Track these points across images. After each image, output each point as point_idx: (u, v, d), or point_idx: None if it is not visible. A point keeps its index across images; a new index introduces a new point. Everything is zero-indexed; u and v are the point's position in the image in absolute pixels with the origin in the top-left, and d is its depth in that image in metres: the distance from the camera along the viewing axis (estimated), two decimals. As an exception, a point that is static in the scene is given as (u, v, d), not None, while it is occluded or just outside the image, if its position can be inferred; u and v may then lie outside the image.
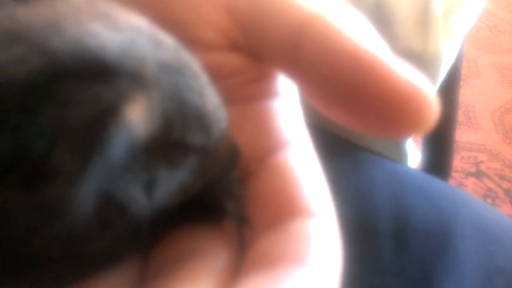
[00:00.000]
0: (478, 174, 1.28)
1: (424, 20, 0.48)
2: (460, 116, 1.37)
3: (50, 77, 0.14)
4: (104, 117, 0.14)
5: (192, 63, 0.18)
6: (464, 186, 1.23)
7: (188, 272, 0.17)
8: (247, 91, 0.21)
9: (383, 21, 0.49)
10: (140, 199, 0.16)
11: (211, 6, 0.21)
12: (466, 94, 1.41)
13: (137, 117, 0.15)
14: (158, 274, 0.18)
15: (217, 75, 0.19)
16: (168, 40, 0.17)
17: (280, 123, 0.20)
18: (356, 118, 0.19)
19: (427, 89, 0.17)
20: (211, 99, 0.18)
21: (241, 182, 0.20)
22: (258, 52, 0.21)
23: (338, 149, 0.47)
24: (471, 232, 0.40)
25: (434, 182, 0.45)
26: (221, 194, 0.19)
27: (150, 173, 0.16)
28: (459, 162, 1.27)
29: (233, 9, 0.21)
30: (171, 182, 0.17)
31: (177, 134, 0.16)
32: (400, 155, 0.53)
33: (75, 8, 0.16)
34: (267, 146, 0.20)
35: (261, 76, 0.21)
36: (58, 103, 0.14)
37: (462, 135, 1.33)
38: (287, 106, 0.21)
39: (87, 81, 0.14)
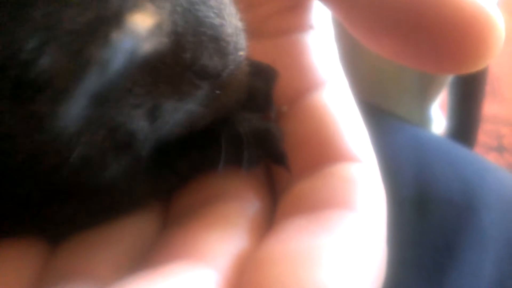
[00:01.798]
0: (500, 149, 1.25)
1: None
2: (485, 87, 1.33)
3: None
4: (106, 22, 0.12)
5: None
6: (485, 160, 1.21)
7: (217, 215, 0.16)
8: (279, 22, 0.19)
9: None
10: (142, 125, 0.14)
11: None
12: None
13: (144, 26, 0.13)
14: (182, 218, 0.16)
15: (247, 4, 0.17)
16: None
17: (314, 60, 0.19)
18: (409, 47, 0.17)
19: (493, 12, 0.15)
20: (231, 22, 0.16)
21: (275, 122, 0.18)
22: None
23: (359, 112, 0.45)
24: (496, 203, 0.38)
25: (460, 150, 0.43)
26: (246, 134, 0.17)
27: (155, 100, 0.14)
28: (480, 135, 1.24)
29: None
30: (178, 112, 0.15)
31: (189, 55, 0.14)
32: (424, 120, 0.51)
33: None
34: (301, 85, 0.18)
35: (295, 6, 0.19)
36: (53, 1, 0.12)
37: (485, 107, 1.30)
38: (322, 41, 0.19)
39: None
